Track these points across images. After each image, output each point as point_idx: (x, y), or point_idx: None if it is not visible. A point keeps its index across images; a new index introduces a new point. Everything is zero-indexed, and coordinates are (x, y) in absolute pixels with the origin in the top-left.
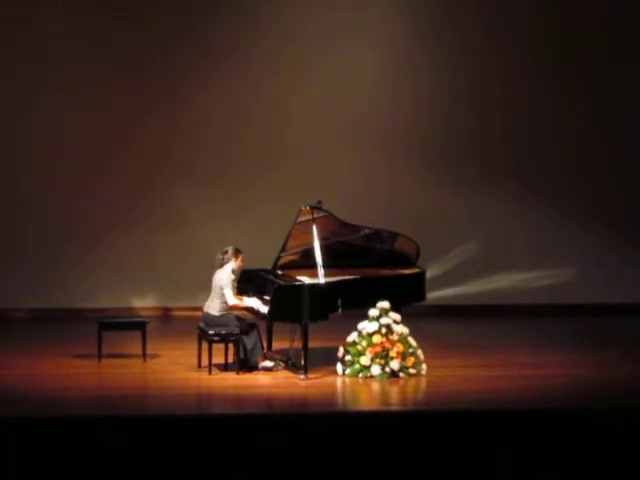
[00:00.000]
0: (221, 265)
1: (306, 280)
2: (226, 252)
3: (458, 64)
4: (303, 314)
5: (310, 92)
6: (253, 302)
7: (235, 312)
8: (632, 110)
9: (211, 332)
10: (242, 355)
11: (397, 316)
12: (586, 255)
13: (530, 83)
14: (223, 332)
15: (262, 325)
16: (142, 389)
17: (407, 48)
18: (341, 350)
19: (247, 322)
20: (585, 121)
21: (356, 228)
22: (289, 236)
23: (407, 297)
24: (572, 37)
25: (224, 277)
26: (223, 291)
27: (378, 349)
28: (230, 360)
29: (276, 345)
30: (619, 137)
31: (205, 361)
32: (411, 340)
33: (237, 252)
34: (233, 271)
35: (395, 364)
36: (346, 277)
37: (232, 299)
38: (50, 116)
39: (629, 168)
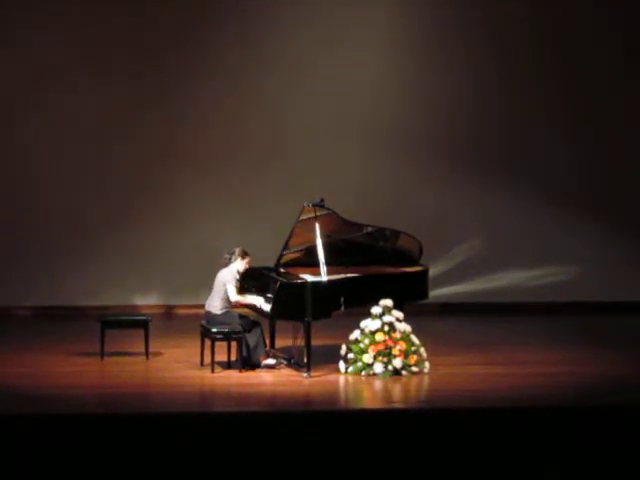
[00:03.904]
0: (226, 265)
1: (309, 278)
2: (233, 252)
3: (461, 63)
4: (306, 312)
5: (313, 91)
6: (256, 300)
7: (238, 310)
8: (634, 109)
9: (214, 330)
10: (245, 353)
11: (400, 314)
12: (589, 253)
13: (533, 83)
14: (226, 330)
15: (265, 323)
16: (144, 387)
17: (410, 47)
18: (344, 348)
19: (250, 320)
20: (586, 120)
21: (359, 226)
22: (292, 234)
23: (410, 295)
24: (571, 39)
25: (227, 275)
26: (226, 287)
27: (381, 347)
28: (233, 358)
29: (279, 343)
30: (621, 136)
31: (208, 359)
32: (414, 338)
33: (244, 254)
34: (238, 272)
35: (398, 362)
36: (349, 275)
37: (234, 295)
38: (51, 115)
39: (631, 167)
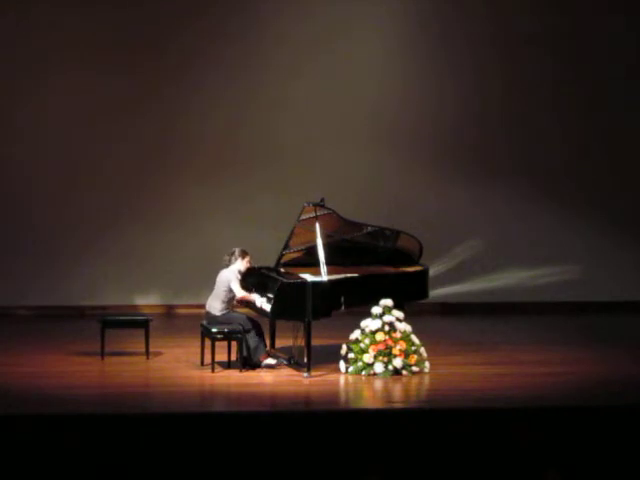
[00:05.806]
0: (227, 266)
1: (309, 277)
2: (233, 253)
3: (465, 62)
4: (306, 312)
5: (313, 90)
6: (257, 298)
7: (239, 310)
8: (635, 108)
9: (214, 330)
10: (245, 353)
11: (400, 314)
12: (589, 253)
13: (537, 82)
14: (226, 330)
15: (265, 323)
16: (145, 387)
17: (413, 46)
18: (344, 348)
19: (250, 320)
20: (588, 120)
21: (359, 226)
22: (292, 234)
23: (410, 295)
24: (575, 38)
25: (230, 274)
26: (230, 285)
27: (381, 347)
28: (233, 358)
29: (279, 343)
30: (624, 136)
31: (208, 359)
32: (414, 338)
33: (244, 253)
34: (239, 272)
35: (398, 362)
36: (349, 275)
37: (240, 291)
38: (48, 114)
39: (635, 167)
